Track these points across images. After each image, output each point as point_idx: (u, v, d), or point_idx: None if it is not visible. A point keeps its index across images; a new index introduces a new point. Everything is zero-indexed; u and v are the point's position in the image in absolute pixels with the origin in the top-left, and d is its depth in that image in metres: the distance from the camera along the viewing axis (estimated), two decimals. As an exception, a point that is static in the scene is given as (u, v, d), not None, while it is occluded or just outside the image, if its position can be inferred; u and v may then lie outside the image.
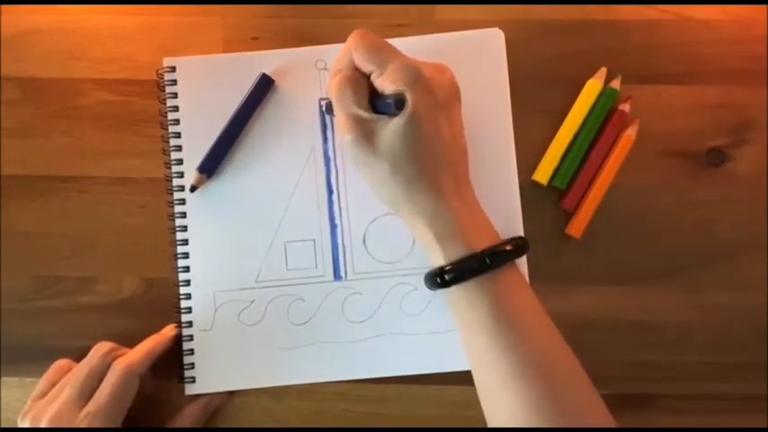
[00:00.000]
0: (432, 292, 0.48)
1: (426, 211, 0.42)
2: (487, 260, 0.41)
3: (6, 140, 0.51)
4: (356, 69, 0.43)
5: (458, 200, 0.42)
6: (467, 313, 0.42)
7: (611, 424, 0.40)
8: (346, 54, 0.43)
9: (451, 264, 0.41)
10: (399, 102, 0.40)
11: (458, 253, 0.41)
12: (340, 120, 0.42)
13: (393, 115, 0.41)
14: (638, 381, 0.49)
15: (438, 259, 0.42)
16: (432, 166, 0.41)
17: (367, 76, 0.43)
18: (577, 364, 0.42)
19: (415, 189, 0.41)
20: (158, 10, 0.52)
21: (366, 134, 0.41)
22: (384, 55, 0.42)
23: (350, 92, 0.42)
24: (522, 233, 0.49)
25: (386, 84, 0.41)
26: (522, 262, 0.49)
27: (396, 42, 0.50)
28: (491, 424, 0.41)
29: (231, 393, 0.49)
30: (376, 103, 0.42)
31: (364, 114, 0.42)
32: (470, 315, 0.41)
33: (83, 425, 0.43)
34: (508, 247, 0.42)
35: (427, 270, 0.43)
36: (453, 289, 0.42)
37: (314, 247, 0.50)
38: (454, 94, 0.44)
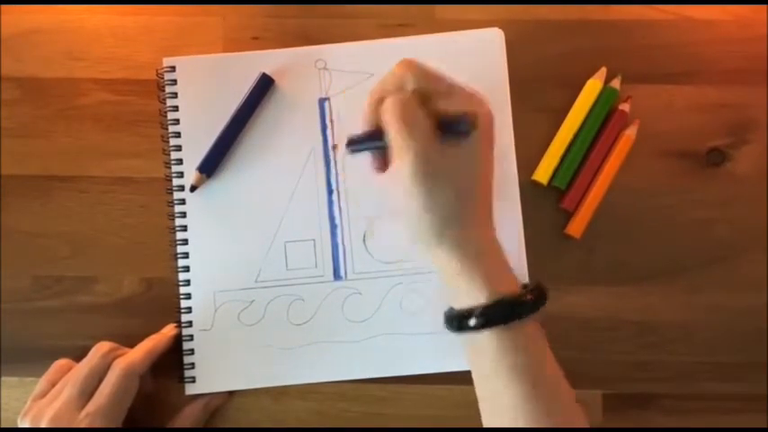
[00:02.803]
0: (431, 292, 0.48)
1: (470, 251, 0.39)
2: (519, 308, 0.38)
3: (6, 140, 0.51)
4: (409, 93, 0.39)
5: (493, 240, 0.41)
6: (490, 361, 0.39)
7: None
8: (396, 79, 0.40)
9: (484, 307, 0.38)
10: (472, 122, 0.38)
11: (489, 297, 0.38)
12: (405, 142, 0.38)
13: (460, 136, 0.39)
14: (638, 381, 0.49)
15: (464, 300, 0.39)
16: (488, 198, 0.40)
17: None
18: (584, 420, 0.40)
19: (470, 222, 0.39)
20: (158, 10, 0.52)
21: (436, 156, 0.38)
22: (444, 77, 0.40)
23: (418, 112, 0.38)
24: (522, 233, 0.49)
25: (454, 104, 0.39)
26: (523, 263, 0.49)
27: (396, 42, 0.51)
28: None
29: (231, 393, 0.49)
30: (442, 121, 0.39)
31: (436, 136, 0.38)
32: (496, 363, 0.38)
33: (83, 425, 0.43)
34: (530, 297, 0.39)
35: (446, 307, 0.41)
36: (480, 335, 0.39)
37: (314, 247, 0.50)
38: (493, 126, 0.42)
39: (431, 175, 0.38)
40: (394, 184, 0.39)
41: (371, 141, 0.41)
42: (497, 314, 0.38)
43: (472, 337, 0.39)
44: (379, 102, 0.40)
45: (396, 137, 0.38)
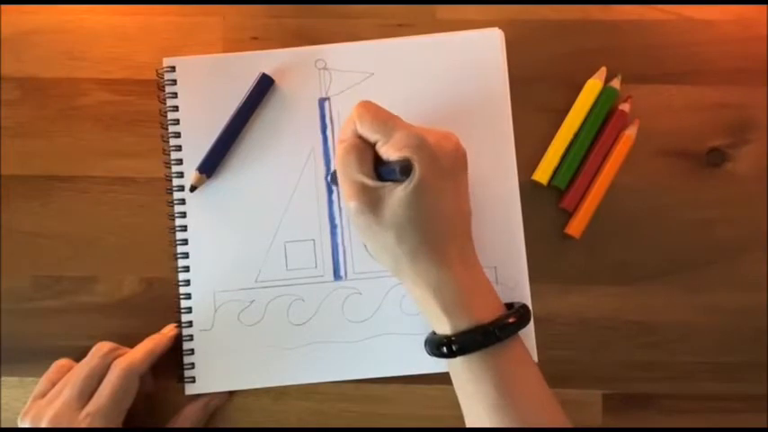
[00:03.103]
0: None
1: (431, 280, 0.41)
2: (496, 332, 0.40)
3: (6, 140, 0.51)
4: (360, 138, 0.43)
5: (462, 268, 0.42)
6: (470, 386, 0.41)
7: None
8: (350, 124, 0.43)
9: (456, 335, 0.41)
10: (404, 168, 0.40)
11: (464, 324, 0.41)
12: (344, 187, 0.42)
13: (398, 182, 0.40)
14: (638, 381, 0.49)
15: (442, 328, 0.42)
16: (437, 234, 0.41)
17: (372, 145, 0.42)
18: None
19: (419, 258, 0.41)
20: (158, 10, 0.52)
21: (371, 202, 0.41)
22: (389, 124, 0.42)
23: (354, 159, 0.42)
24: (522, 233, 0.49)
25: (391, 151, 0.41)
26: (523, 263, 0.49)
27: (396, 42, 0.51)
28: None
29: (231, 393, 0.49)
30: (381, 170, 0.42)
31: (369, 182, 0.41)
32: (474, 388, 0.41)
33: (83, 425, 0.43)
34: (511, 320, 0.41)
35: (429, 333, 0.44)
36: (457, 360, 0.41)
37: (314, 247, 0.50)
38: (460, 161, 0.43)
39: (368, 221, 0.41)
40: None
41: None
42: (461, 344, 0.41)
43: (452, 363, 0.42)
44: (340, 143, 0.44)
45: (340, 184, 0.43)
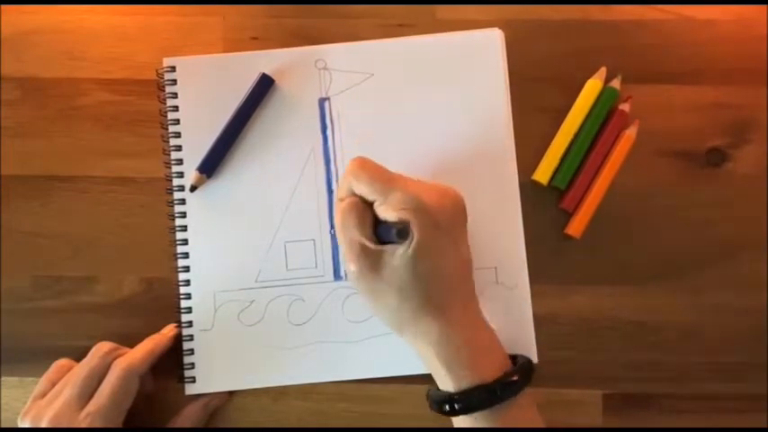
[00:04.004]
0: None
1: (434, 338, 0.41)
2: (498, 392, 0.40)
3: (6, 140, 0.51)
4: (358, 197, 0.42)
5: (465, 323, 0.41)
6: None
7: None
8: (347, 181, 0.42)
9: (460, 393, 0.40)
10: (403, 231, 0.39)
11: (467, 382, 0.40)
12: (344, 248, 0.41)
13: (398, 243, 0.40)
14: (638, 381, 0.49)
15: (445, 385, 0.41)
16: (438, 293, 0.41)
17: (370, 204, 0.42)
18: None
19: (421, 317, 0.41)
20: (158, 10, 0.52)
21: (372, 266, 0.40)
22: (386, 183, 0.41)
23: (354, 220, 0.41)
24: (522, 233, 0.49)
25: (388, 213, 0.40)
26: (523, 263, 0.49)
27: (396, 42, 0.51)
28: None
29: (231, 393, 0.49)
30: (379, 230, 0.41)
31: (369, 244, 0.41)
32: None
33: (83, 425, 0.43)
34: (515, 378, 0.41)
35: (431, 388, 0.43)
36: (460, 417, 0.41)
37: (314, 247, 0.50)
38: (459, 215, 0.43)
39: (369, 283, 0.41)
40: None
41: None
42: (464, 402, 0.40)
43: (455, 418, 0.42)
44: (339, 203, 0.43)
45: (339, 243, 0.42)
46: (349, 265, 0.41)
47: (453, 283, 0.42)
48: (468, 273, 0.43)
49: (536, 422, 0.42)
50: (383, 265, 0.40)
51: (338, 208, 0.42)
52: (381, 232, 0.41)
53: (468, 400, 0.40)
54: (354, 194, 0.42)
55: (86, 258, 0.51)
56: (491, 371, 0.40)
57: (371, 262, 0.40)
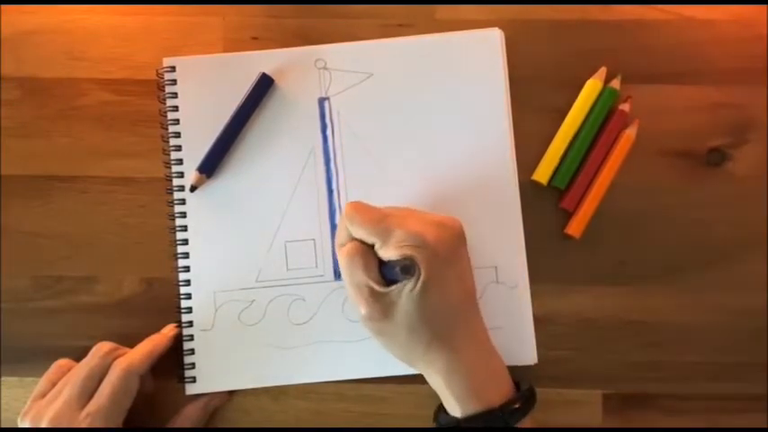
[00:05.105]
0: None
1: (441, 367, 0.42)
2: (504, 417, 0.41)
3: (6, 140, 0.51)
4: (358, 240, 0.42)
5: (472, 350, 0.43)
6: None
7: None
8: (344, 227, 0.43)
9: (466, 419, 0.42)
10: (407, 268, 0.40)
11: (474, 409, 0.41)
12: (352, 293, 0.42)
13: (403, 281, 0.40)
14: (638, 381, 0.49)
15: (453, 410, 0.43)
16: (446, 326, 0.42)
17: (371, 246, 0.42)
18: None
19: (431, 350, 0.42)
20: (158, 10, 0.52)
21: (381, 308, 0.41)
22: (382, 225, 0.41)
23: (359, 264, 0.41)
24: (522, 233, 0.49)
25: (391, 252, 0.41)
26: (523, 263, 0.49)
27: (396, 42, 0.51)
28: None
29: (231, 393, 0.49)
30: (383, 270, 0.42)
31: (377, 288, 0.41)
32: None
33: (83, 425, 0.43)
34: (517, 405, 0.42)
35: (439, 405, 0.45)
36: None
37: (314, 247, 0.50)
38: (460, 245, 0.43)
39: (379, 326, 0.42)
40: None
41: None
42: (483, 426, 0.41)
43: None
44: (340, 247, 0.43)
45: (347, 287, 0.42)
46: (359, 309, 0.42)
47: (460, 311, 0.42)
48: (473, 300, 0.44)
49: None
50: (392, 307, 0.41)
51: (341, 253, 0.43)
52: (386, 272, 0.42)
53: (476, 427, 0.41)
54: (354, 239, 0.43)
55: (86, 258, 0.50)
56: (497, 396, 0.42)
57: (381, 305, 0.41)
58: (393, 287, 0.41)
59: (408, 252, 0.40)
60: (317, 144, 0.50)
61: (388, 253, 0.41)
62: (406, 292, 0.40)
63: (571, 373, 0.49)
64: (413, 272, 0.40)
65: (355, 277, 0.42)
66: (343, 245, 0.43)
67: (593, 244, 0.50)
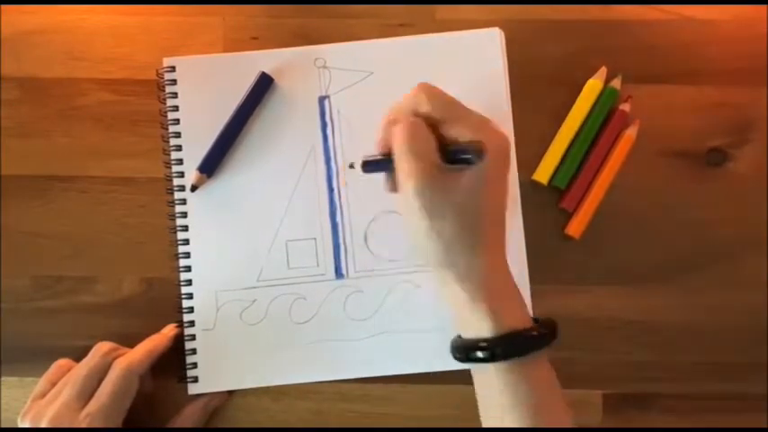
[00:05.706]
0: (432, 290, 0.48)
1: (481, 276, 0.38)
2: (538, 337, 0.38)
3: (6, 140, 0.51)
4: (420, 118, 0.39)
5: (506, 267, 0.40)
6: (495, 393, 0.38)
7: None
8: (409, 104, 0.40)
9: (493, 339, 0.37)
10: (479, 150, 0.38)
11: (510, 326, 0.38)
12: (408, 165, 0.38)
13: (471, 163, 0.38)
14: (638, 381, 0.49)
15: (479, 330, 0.38)
16: (495, 227, 0.39)
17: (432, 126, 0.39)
18: None
19: (476, 251, 0.38)
20: (158, 10, 0.52)
21: (437, 184, 0.38)
22: (456, 105, 0.40)
23: (424, 137, 0.38)
24: (522, 233, 0.49)
25: (464, 131, 0.39)
26: (523, 263, 0.49)
27: (396, 42, 0.51)
28: None
29: (231, 393, 0.49)
30: (448, 150, 0.39)
31: (440, 162, 0.38)
32: (499, 396, 0.38)
33: (83, 425, 0.43)
34: (551, 327, 0.39)
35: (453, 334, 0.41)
36: (490, 367, 0.38)
37: (315, 246, 0.50)
38: (510, 154, 0.41)
39: (433, 203, 0.38)
40: (401, 207, 0.40)
41: (384, 163, 0.41)
42: (501, 349, 0.37)
43: (479, 367, 0.39)
44: (393, 124, 0.40)
45: (400, 163, 0.39)
46: (408, 182, 0.38)
47: (504, 219, 0.40)
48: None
49: (550, 383, 0.40)
50: (451, 187, 0.38)
51: (401, 127, 0.39)
52: (451, 154, 0.39)
53: (492, 348, 0.37)
54: (416, 116, 0.40)
55: (86, 258, 0.50)
56: (516, 322, 0.38)
57: (439, 181, 0.38)
58: (455, 166, 0.38)
59: (483, 136, 0.38)
60: (317, 143, 0.50)
61: (461, 131, 0.39)
62: (468, 175, 0.38)
63: (571, 373, 0.49)
64: (483, 156, 0.38)
65: (418, 148, 0.38)
66: (395, 121, 0.40)
67: (593, 244, 0.50)
